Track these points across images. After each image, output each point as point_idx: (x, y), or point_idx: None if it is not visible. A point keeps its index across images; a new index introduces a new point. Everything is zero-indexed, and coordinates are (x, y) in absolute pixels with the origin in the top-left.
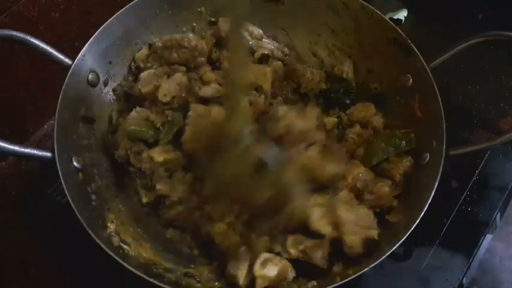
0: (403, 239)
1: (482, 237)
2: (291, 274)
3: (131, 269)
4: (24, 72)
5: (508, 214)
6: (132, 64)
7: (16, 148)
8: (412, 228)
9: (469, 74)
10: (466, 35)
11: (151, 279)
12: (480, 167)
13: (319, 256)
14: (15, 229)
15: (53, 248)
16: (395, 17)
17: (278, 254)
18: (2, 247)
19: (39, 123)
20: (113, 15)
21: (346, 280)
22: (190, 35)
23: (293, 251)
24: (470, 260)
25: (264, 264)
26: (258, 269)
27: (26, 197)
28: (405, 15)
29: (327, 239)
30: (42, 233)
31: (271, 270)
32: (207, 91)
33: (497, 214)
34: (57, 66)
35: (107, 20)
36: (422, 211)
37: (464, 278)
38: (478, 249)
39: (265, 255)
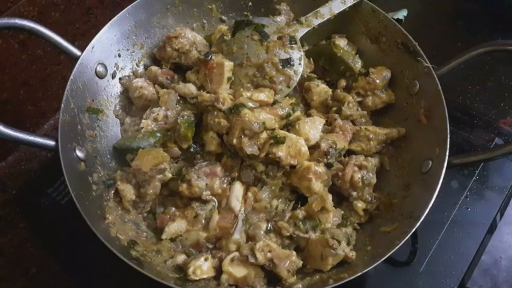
0: (399, 245)
1: (482, 237)
2: (259, 283)
3: (126, 260)
4: (24, 72)
5: (508, 214)
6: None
7: (20, 135)
8: (409, 235)
9: (469, 74)
10: (466, 36)
11: (145, 272)
12: (480, 167)
13: (285, 267)
14: (15, 229)
15: (53, 248)
16: (395, 17)
17: (246, 257)
18: (2, 247)
19: (39, 123)
20: (113, 15)
21: (340, 283)
22: (187, 30)
23: (260, 257)
24: (470, 260)
25: (235, 262)
26: (226, 264)
27: (26, 197)
28: (405, 15)
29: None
30: (42, 233)
31: (239, 271)
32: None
33: (497, 214)
34: (58, 66)
35: (106, 20)
36: (419, 220)
37: (464, 278)
38: (478, 249)
39: (236, 254)
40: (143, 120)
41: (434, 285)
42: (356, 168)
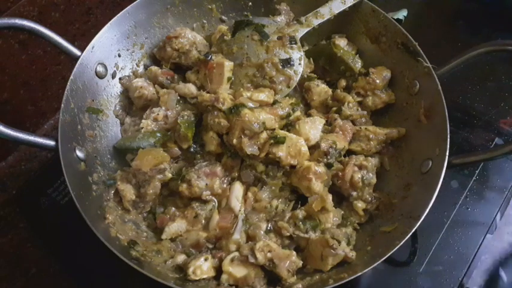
0: (399, 245)
1: (482, 237)
2: (259, 283)
3: (126, 260)
4: (24, 72)
5: (508, 214)
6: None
7: (20, 135)
8: (409, 235)
9: (469, 74)
10: (466, 36)
11: (145, 272)
12: (480, 167)
13: (285, 267)
14: (15, 229)
15: (53, 248)
16: (395, 17)
17: (246, 257)
18: (2, 247)
19: (39, 123)
20: (113, 15)
21: (339, 283)
22: (187, 30)
23: (260, 257)
24: (470, 260)
25: (235, 262)
26: (226, 264)
27: (26, 197)
28: (405, 15)
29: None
30: (42, 233)
31: (239, 271)
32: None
33: (497, 214)
34: (58, 66)
35: (106, 20)
36: (419, 220)
37: (464, 278)
38: (478, 249)
39: (236, 254)
40: (143, 120)
41: (434, 285)
42: (356, 168)
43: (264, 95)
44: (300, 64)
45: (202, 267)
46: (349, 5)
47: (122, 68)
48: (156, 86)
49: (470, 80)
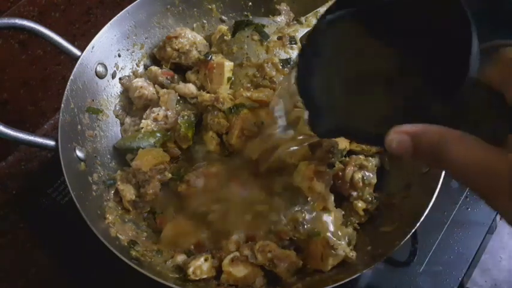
0: (399, 245)
1: (482, 237)
2: (259, 283)
3: (126, 260)
4: (24, 72)
5: None
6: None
7: (20, 135)
8: (409, 235)
9: None
10: None
11: (145, 272)
12: None
13: (285, 267)
14: (15, 229)
15: (53, 248)
16: None
17: (246, 257)
18: (2, 247)
19: (39, 123)
20: (113, 15)
21: (340, 283)
22: (187, 30)
23: (260, 257)
24: (470, 260)
25: (235, 262)
26: (226, 264)
27: (26, 197)
28: None
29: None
30: (42, 233)
31: (239, 271)
32: (187, 88)
33: (497, 214)
34: (58, 66)
35: (106, 20)
36: (419, 220)
37: (464, 278)
38: (478, 249)
39: (236, 254)
40: (143, 120)
41: (434, 285)
42: (356, 168)
43: (264, 95)
44: None
45: (202, 267)
46: None
47: (122, 68)
48: (156, 86)
49: None
